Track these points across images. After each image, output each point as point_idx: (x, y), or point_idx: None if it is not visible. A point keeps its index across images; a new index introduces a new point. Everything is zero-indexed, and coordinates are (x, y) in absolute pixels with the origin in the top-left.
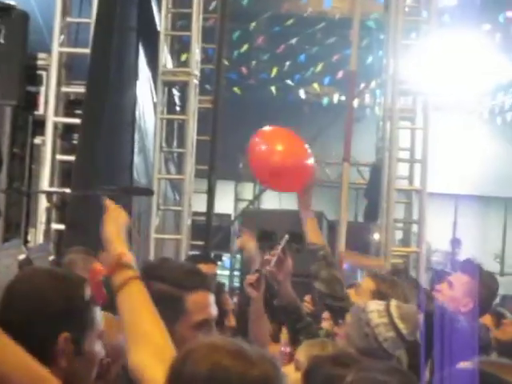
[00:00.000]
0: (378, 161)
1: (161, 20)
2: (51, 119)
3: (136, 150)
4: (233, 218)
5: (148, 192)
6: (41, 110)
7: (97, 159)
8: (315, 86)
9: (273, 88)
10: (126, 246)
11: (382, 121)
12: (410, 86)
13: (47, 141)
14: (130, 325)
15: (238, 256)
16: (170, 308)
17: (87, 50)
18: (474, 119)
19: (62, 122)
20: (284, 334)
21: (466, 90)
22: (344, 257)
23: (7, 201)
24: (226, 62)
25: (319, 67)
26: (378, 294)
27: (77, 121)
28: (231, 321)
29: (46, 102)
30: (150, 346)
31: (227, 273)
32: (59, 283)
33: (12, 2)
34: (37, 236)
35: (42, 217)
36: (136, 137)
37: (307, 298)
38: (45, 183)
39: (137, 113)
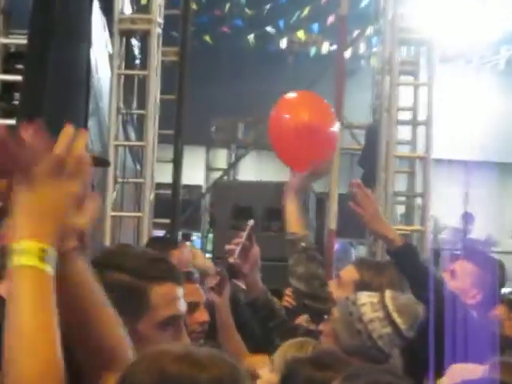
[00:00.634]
0: (374, 122)
1: None
2: None
3: (89, 111)
4: (204, 190)
5: (103, 162)
6: None
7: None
8: (301, 33)
9: (250, 36)
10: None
11: (380, 75)
12: (412, 34)
13: None
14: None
15: (211, 235)
16: (130, 302)
17: None
18: (488, 72)
19: (0, 80)
20: None
21: (477, 36)
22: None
23: None
24: (195, 6)
25: (305, 11)
26: (362, 285)
27: (18, 78)
28: (203, 315)
29: None
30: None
31: None
32: None
33: None
34: None
35: None
36: None
37: (288, 290)
38: None
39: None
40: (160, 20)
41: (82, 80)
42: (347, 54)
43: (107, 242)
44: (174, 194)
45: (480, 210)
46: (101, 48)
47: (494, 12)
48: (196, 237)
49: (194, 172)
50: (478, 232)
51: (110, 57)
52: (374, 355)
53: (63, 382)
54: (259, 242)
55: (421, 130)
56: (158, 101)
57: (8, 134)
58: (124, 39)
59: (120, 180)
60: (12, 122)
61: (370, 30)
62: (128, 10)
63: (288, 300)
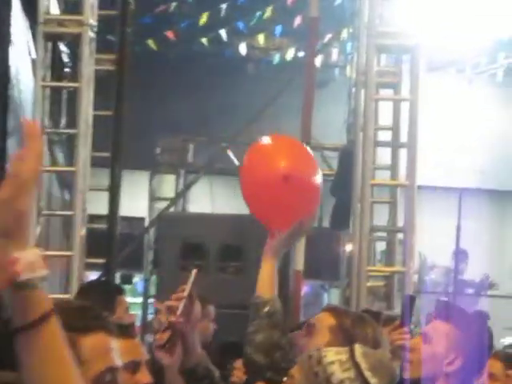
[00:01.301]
0: (349, 143)
1: None
2: None
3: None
4: (147, 223)
5: None
6: None
7: None
8: (262, 37)
9: (203, 40)
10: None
11: (355, 87)
12: (392, 39)
13: None
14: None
15: (155, 277)
16: None
17: None
18: (484, 83)
19: None
20: None
21: (470, 41)
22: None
23: None
24: (134, 7)
25: (268, 12)
26: (341, 332)
27: None
28: (145, 376)
29: None
30: None
31: (140, 300)
32: None
33: None
34: None
35: None
36: None
37: (237, 363)
38: None
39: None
40: (93, 22)
41: None
42: (318, 61)
43: None
44: (111, 227)
45: (475, 245)
46: (22, 54)
47: (488, 13)
48: (138, 279)
49: (136, 202)
50: (472, 272)
51: (34, 65)
52: None
53: None
54: (213, 286)
55: (403, 152)
56: (91, 118)
57: None
58: (50, 44)
59: (45, 212)
60: None
61: (345, 33)
62: (55, 9)
63: (238, 375)
